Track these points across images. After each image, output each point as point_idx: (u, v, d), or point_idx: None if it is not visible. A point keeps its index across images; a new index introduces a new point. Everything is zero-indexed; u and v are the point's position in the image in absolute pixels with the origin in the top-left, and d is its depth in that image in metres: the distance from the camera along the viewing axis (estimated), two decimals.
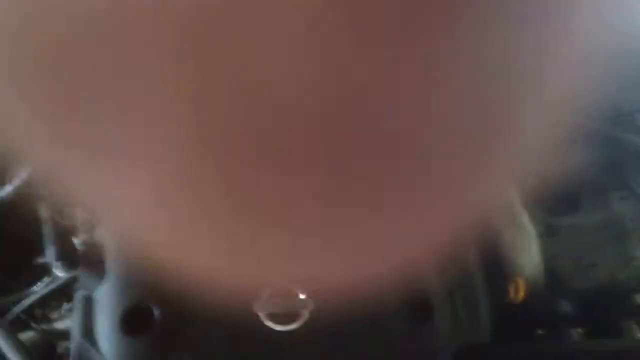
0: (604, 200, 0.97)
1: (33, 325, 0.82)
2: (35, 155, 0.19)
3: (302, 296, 0.68)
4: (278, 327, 0.67)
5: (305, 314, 0.67)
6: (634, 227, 0.93)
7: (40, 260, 0.86)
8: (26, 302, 0.79)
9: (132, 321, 0.67)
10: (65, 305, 0.84)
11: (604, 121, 0.99)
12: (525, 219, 0.86)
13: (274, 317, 0.67)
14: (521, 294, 0.80)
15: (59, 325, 0.82)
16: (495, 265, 0.82)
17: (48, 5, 0.15)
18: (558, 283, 0.89)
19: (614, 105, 1.00)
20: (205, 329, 0.67)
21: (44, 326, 0.83)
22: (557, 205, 0.98)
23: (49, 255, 0.83)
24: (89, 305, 0.68)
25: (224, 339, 0.67)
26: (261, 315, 0.67)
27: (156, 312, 0.67)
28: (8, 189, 0.78)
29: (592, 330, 0.85)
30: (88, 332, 0.67)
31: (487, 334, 0.74)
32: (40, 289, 0.82)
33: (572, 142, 1.02)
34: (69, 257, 0.82)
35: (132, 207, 0.19)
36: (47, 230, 0.83)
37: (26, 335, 0.80)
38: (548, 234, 0.95)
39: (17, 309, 0.79)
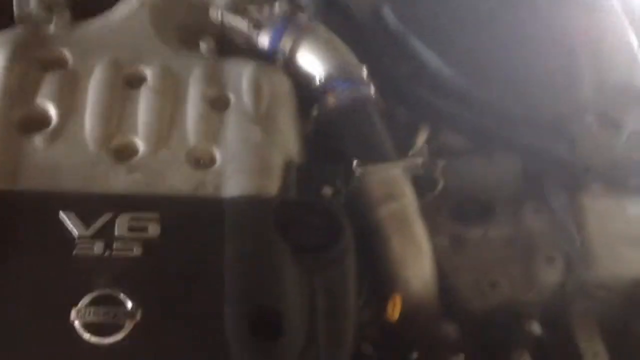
0: (517, 212, 0.88)
1: None
2: None
3: (129, 305, 0.59)
4: (95, 340, 0.57)
5: (130, 326, 0.58)
6: (543, 244, 0.84)
7: None
8: None
9: None
10: None
11: (527, 128, 0.91)
12: (418, 228, 0.77)
13: (92, 328, 0.58)
14: (398, 312, 0.71)
15: None
16: (374, 278, 0.73)
17: None
18: (453, 302, 0.80)
19: (538, 112, 0.91)
20: (13, 337, 0.58)
21: None
22: (468, 214, 0.89)
23: None
24: None
25: (36, 350, 0.58)
26: (77, 324, 0.58)
27: None
28: None
29: (479, 357, 0.76)
30: None
31: (349, 354, 0.65)
32: None
33: (491, 148, 0.93)
34: None
35: None
36: None
37: None
38: (453, 246, 0.86)
39: None
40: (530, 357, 0.76)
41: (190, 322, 0.60)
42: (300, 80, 0.86)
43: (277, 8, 0.90)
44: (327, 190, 0.74)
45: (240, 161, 0.71)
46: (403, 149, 0.86)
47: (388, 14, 1.05)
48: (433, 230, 0.83)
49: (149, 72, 0.76)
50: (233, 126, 0.74)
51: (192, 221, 0.66)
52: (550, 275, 0.82)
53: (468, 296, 0.81)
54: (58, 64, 0.76)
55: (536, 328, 0.77)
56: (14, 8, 0.83)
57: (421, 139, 0.88)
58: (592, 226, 0.84)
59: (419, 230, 0.77)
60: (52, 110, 0.71)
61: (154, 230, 0.64)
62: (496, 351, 0.77)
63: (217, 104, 0.76)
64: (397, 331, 0.72)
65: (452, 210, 0.89)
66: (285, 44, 0.87)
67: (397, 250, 0.75)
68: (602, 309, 0.82)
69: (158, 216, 0.64)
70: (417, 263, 0.76)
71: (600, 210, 0.85)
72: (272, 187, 0.70)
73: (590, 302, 0.82)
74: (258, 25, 0.88)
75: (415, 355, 0.72)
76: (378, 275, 0.74)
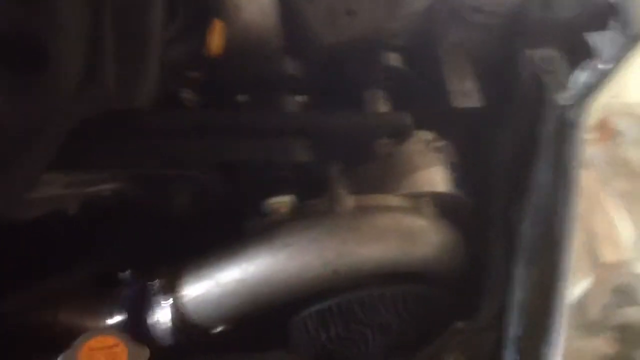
0: None
1: None
2: None
3: None
4: None
5: None
6: None
7: None
8: None
9: None
10: None
11: None
12: None
13: None
14: (220, 43, 0.54)
15: None
16: (195, 2, 0.55)
17: None
18: (300, 36, 0.64)
19: None
20: None
21: None
22: None
23: None
24: None
25: None
26: None
27: None
28: None
29: (326, 98, 0.62)
30: None
31: (151, 94, 0.49)
32: None
33: None
34: None
35: None
36: None
37: None
38: None
39: None
40: (386, 95, 0.63)
41: None
42: None
43: None
44: None
45: None
46: None
47: None
48: None
49: None
50: None
51: None
52: None
53: (320, 28, 0.64)
54: None
55: (395, 61, 0.63)
56: None
57: None
58: None
59: None
60: None
61: None
62: (347, 90, 0.63)
63: None
64: (223, 68, 0.57)
65: None
66: None
67: None
68: (479, 38, 0.69)
69: None
70: None
71: None
72: None
73: (464, 30, 0.68)
74: None
75: (244, 97, 0.58)
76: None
